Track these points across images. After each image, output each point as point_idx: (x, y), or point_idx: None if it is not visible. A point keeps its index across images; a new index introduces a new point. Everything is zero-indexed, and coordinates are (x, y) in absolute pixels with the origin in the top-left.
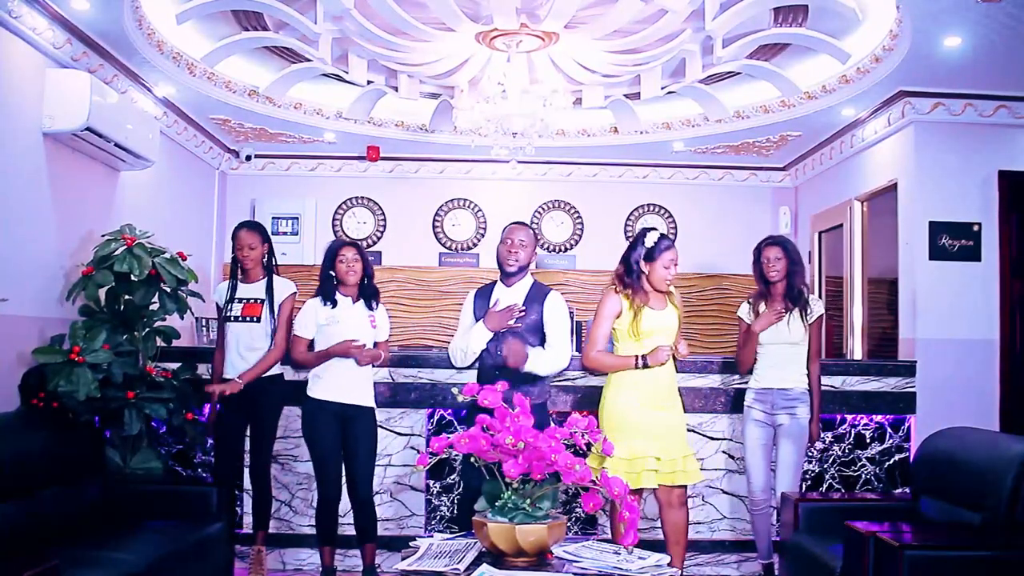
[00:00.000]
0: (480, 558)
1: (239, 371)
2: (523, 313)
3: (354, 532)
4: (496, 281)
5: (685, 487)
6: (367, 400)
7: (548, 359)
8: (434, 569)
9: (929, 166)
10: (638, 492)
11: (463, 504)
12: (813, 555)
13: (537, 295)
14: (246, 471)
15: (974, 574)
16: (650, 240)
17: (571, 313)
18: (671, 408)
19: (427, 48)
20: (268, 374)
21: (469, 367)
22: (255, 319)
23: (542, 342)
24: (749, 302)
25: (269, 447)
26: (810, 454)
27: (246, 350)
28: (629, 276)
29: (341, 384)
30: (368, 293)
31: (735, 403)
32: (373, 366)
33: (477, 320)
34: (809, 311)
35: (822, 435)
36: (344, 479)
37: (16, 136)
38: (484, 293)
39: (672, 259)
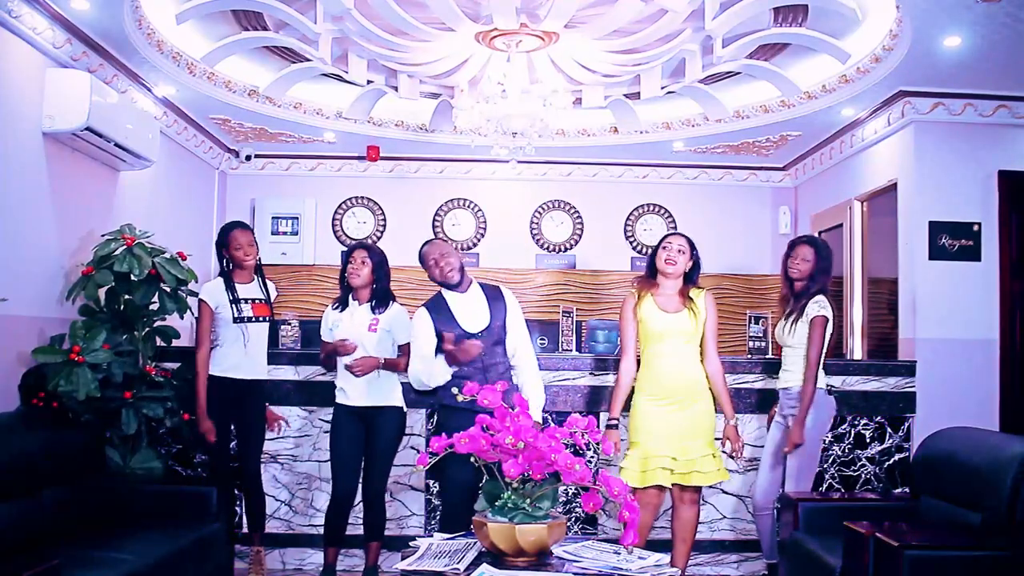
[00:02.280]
0: (480, 558)
1: (245, 371)
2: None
3: (355, 532)
4: (440, 294)
5: (700, 488)
6: (390, 400)
7: (536, 382)
8: (434, 569)
9: (929, 166)
10: (658, 488)
11: (450, 505)
12: (813, 555)
13: (494, 295)
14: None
15: (974, 574)
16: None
17: (570, 312)
18: (693, 407)
19: (427, 48)
20: (255, 377)
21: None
22: (266, 318)
23: (503, 340)
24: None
25: (258, 449)
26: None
27: (256, 350)
28: (646, 272)
29: (359, 391)
30: (376, 297)
31: (735, 402)
32: (389, 372)
33: (437, 332)
34: (805, 314)
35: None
36: (361, 478)
37: (16, 136)
38: (438, 307)
39: (670, 243)
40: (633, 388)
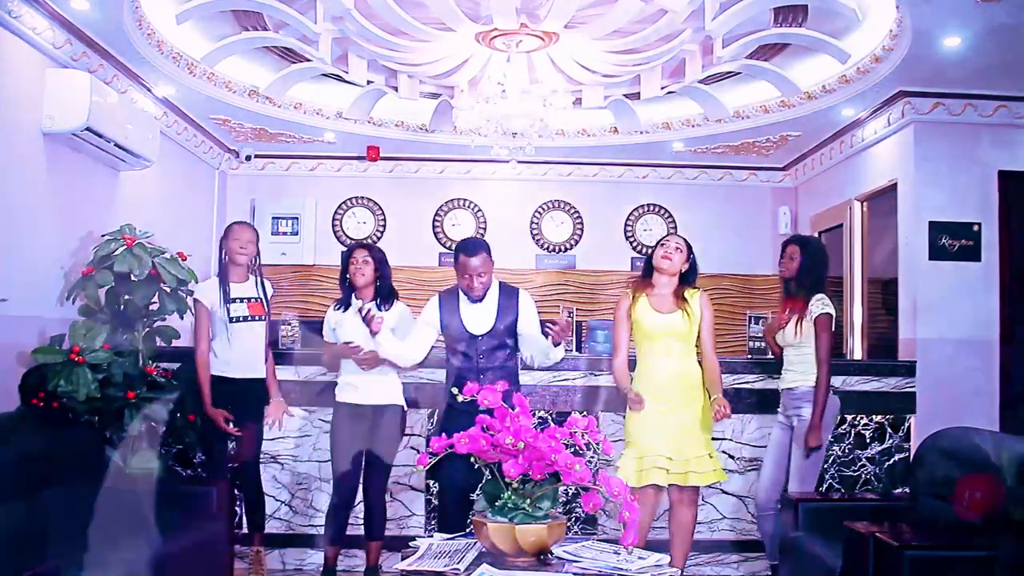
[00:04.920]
0: (480, 558)
1: (238, 370)
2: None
3: (355, 532)
4: (459, 290)
5: (697, 488)
6: (392, 399)
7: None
8: (434, 569)
9: (929, 166)
10: (655, 488)
11: (446, 506)
12: (813, 555)
13: (509, 298)
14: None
15: (974, 574)
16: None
17: (570, 313)
18: (689, 407)
19: (427, 48)
20: (253, 376)
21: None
22: (261, 317)
23: (516, 343)
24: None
25: (256, 448)
26: None
27: (251, 349)
28: (643, 273)
29: (362, 385)
30: (380, 295)
31: (735, 403)
32: (392, 369)
33: (442, 323)
34: (808, 313)
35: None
36: (361, 482)
37: (16, 136)
38: (451, 301)
39: (667, 240)
40: (633, 383)
